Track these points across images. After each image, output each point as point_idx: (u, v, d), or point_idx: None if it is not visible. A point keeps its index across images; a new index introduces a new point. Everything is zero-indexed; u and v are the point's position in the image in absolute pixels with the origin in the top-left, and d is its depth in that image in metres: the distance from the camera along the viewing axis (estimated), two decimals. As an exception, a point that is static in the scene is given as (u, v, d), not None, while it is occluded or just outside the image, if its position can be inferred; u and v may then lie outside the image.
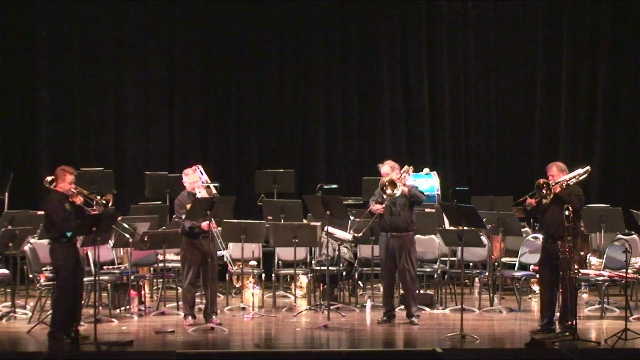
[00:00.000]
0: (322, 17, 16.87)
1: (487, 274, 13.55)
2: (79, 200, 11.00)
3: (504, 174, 16.83)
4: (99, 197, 11.13)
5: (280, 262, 13.87)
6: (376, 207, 12.02)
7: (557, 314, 11.26)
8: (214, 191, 12.33)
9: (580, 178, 11.37)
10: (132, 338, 11.04)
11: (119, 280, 12.78)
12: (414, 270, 12.09)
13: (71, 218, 10.86)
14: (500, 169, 16.94)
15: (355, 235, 12.55)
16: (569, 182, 11.24)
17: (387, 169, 12.09)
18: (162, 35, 16.72)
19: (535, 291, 13.74)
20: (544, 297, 11.39)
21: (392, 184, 11.84)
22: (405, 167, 12.22)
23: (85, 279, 12.29)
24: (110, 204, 11.11)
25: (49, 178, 11.21)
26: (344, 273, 13.48)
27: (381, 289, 13.70)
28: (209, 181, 12.43)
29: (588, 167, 11.51)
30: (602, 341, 10.93)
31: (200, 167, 12.48)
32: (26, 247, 12.40)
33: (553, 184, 11.15)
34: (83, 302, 12.52)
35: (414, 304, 12.07)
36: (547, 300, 11.33)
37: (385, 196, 11.91)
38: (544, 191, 11.11)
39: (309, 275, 13.61)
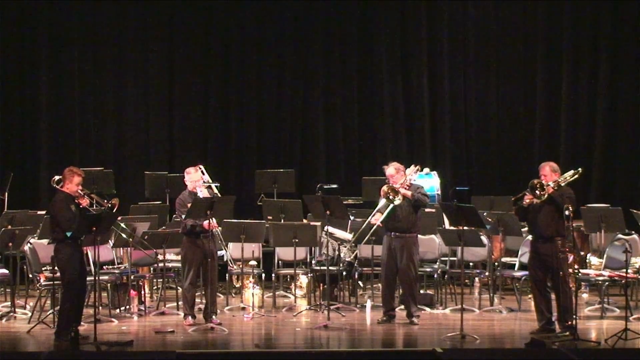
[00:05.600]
0: (322, 17, 16.88)
1: (487, 274, 13.56)
2: (85, 202, 10.99)
3: (504, 174, 16.82)
4: (105, 201, 11.12)
5: (280, 262, 13.88)
6: (375, 219, 12.07)
7: (555, 314, 11.27)
8: (215, 191, 12.34)
9: (571, 179, 11.37)
10: (132, 338, 11.04)
11: (119, 280, 12.78)
12: (415, 271, 12.09)
13: (75, 219, 10.84)
14: (500, 169, 16.93)
15: (352, 244, 12.64)
16: (560, 183, 11.25)
17: (392, 170, 12.10)
18: (162, 35, 16.72)
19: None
20: (537, 298, 11.39)
21: (394, 191, 11.85)
22: (412, 167, 12.23)
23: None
24: (116, 209, 11.09)
25: (56, 177, 11.19)
26: (344, 273, 13.48)
27: (381, 289, 13.72)
28: (210, 181, 12.44)
29: (579, 169, 11.50)
30: (602, 341, 10.93)
31: (201, 167, 12.49)
32: (26, 247, 12.40)
33: (547, 184, 11.15)
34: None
35: (414, 304, 12.07)
36: (540, 301, 11.34)
37: (385, 200, 11.95)
38: (537, 192, 11.12)
39: (309, 275, 13.61)
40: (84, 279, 11.09)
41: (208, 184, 12.32)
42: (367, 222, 12.32)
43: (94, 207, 11.67)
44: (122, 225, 12.18)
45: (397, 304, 12.40)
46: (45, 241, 12.29)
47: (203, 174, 12.38)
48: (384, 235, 12.14)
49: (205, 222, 11.72)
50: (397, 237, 11.99)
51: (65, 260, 10.84)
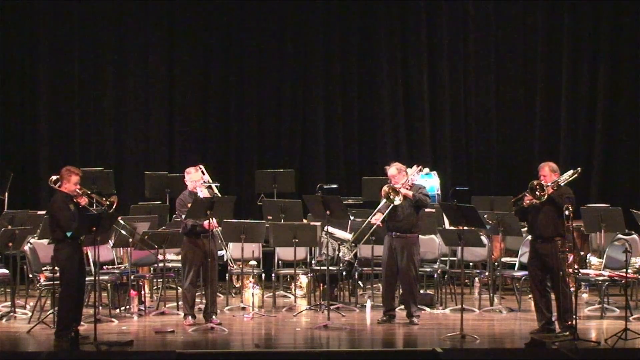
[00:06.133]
0: (322, 17, 16.88)
1: (487, 274, 13.56)
2: (83, 201, 11.00)
3: (504, 174, 16.83)
4: (103, 199, 11.13)
5: (280, 262, 13.88)
6: (375, 219, 12.08)
7: (555, 314, 11.27)
8: (215, 191, 12.34)
9: (570, 179, 11.37)
10: (132, 338, 11.03)
11: (119, 280, 12.79)
12: (416, 271, 12.08)
13: (75, 219, 10.85)
14: (500, 169, 16.93)
15: (352, 244, 12.68)
16: (560, 183, 11.25)
17: (394, 170, 12.10)
18: (162, 35, 16.72)
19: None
20: (537, 298, 11.40)
21: (394, 191, 11.86)
22: (414, 167, 12.24)
23: (85, 279, 12.32)
24: (114, 207, 11.10)
25: (53, 177, 11.20)
26: (344, 273, 13.48)
27: (381, 289, 13.71)
28: (210, 181, 12.44)
29: (579, 169, 11.50)
30: (602, 341, 10.93)
31: (202, 167, 12.49)
32: (26, 247, 12.39)
33: (546, 185, 11.15)
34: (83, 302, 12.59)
35: (414, 304, 12.07)
36: (540, 301, 11.35)
37: (385, 200, 11.96)
38: (537, 192, 11.12)
39: (309, 275, 13.60)
40: (83, 279, 11.09)
41: (208, 184, 12.32)
42: (367, 221, 12.32)
43: (94, 207, 11.65)
44: (123, 223, 12.18)
45: (397, 304, 12.39)
46: (45, 241, 12.30)
47: (203, 174, 12.38)
48: (385, 235, 12.13)
49: (206, 222, 11.72)
50: (398, 237, 11.99)
51: (64, 260, 10.85)
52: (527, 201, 11.22)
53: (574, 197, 11.30)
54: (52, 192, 11.28)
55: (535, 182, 11.18)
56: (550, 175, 11.29)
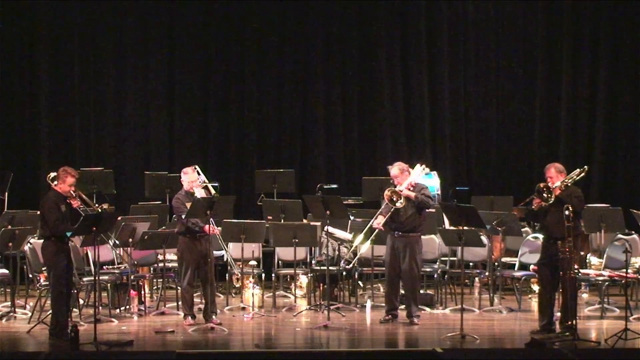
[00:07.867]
0: (322, 17, 16.87)
1: (487, 274, 13.55)
2: (76, 203, 11.00)
3: (504, 174, 16.83)
4: (96, 205, 11.15)
5: (280, 262, 13.88)
6: (377, 223, 12.07)
7: (557, 314, 11.26)
8: (212, 191, 12.33)
9: (577, 178, 11.37)
10: (132, 338, 11.04)
11: (119, 280, 12.79)
12: (418, 271, 12.08)
13: (65, 220, 10.86)
14: (500, 169, 16.93)
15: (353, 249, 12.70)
16: (568, 183, 11.24)
17: (396, 171, 12.09)
18: (162, 35, 16.71)
19: (535, 291, 13.73)
20: (543, 298, 11.41)
21: (397, 195, 11.86)
22: (417, 166, 12.23)
23: (85, 279, 12.33)
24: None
25: (52, 174, 11.21)
26: (344, 273, 13.47)
27: (381, 289, 13.72)
28: (206, 181, 12.44)
29: (585, 167, 11.52)
30: (602, 341, 10.94)
31: (197, 167, 12.47)
32: (26, 247, 12.40)
33: (553, 186, 11.14)
34: (83, 302, 12.59)
35: (414, 304, 12.06)
36: (546, 301, 11.34)
37: (389, 204, 11.95)
38: (545, 194, 11.10)
39: (309, 275, 13.60)
40: (70, 277, 11.09)
41: (205, 184, 12.31)
42: (368, 226, 12.29)
43: (90, 208, 11.63)
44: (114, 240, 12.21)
45: (399, 303, 12.38)
46: (45, 241, 12.30)
47: (199, 174, 12.37)
48: (388, 235, 12.12)
49: (206, 227, 11.72)
50: (401, 236, 11.99)
51: (51, 256, 10.88)
52: (536, 204, 11.21)
53: (582, 196, 11.31)
54: (49, 189, 11.26)
55: (542, 185, 11.16)
56: (557, 176, 11.28)
